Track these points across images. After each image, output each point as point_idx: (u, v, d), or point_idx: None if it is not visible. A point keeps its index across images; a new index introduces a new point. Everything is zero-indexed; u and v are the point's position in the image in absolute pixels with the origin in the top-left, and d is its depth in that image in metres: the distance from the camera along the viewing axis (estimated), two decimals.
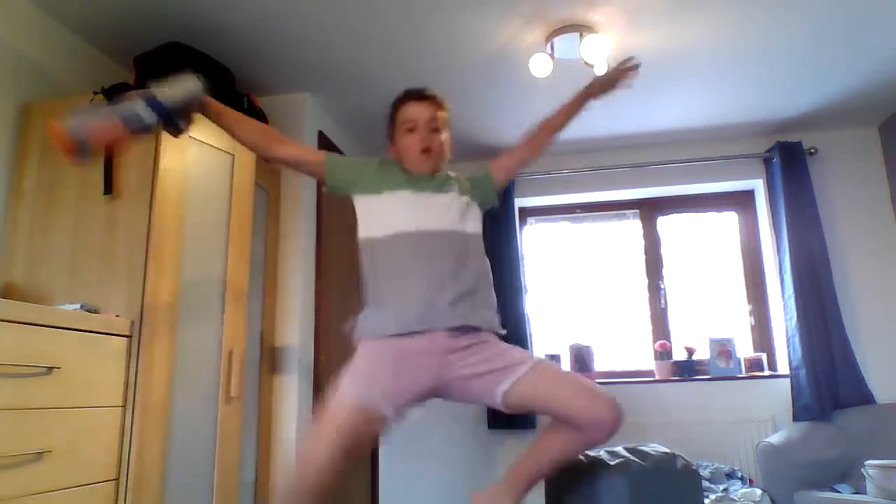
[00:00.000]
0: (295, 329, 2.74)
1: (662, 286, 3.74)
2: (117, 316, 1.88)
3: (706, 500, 2.71)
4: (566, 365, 3.56)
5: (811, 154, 3.50)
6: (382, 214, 1.62)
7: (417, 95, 1.66)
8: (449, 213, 1.62)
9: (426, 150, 1.62)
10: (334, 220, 3.20)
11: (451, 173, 1.74)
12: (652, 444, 1.88)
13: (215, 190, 2.27)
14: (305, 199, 2.90)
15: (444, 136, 1.67)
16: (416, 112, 1.64)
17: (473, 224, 1.66)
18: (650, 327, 3.69)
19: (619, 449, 1.81)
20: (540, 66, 2.62)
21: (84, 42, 2.46)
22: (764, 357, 3.47)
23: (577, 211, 3.92)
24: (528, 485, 1.55)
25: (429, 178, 1.66)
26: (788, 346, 3.30)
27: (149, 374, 1.87)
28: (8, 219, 2.07)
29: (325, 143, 3.09)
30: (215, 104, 1.61)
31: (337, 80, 2.84)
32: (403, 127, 1.65)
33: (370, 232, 1.62)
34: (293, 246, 2.82)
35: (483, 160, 4.04)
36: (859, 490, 2.60)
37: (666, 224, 3.86)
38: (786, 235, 3.35)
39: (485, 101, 3.10)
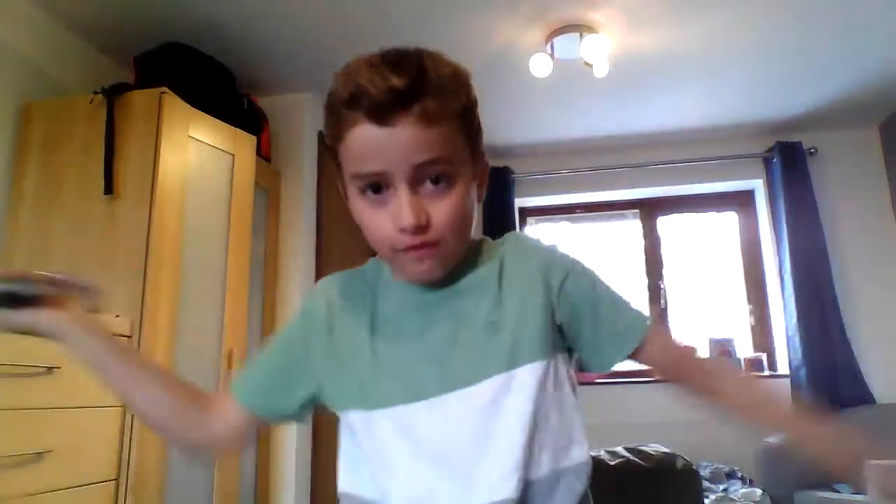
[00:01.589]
0: None
1: (662, 286, 3.74)
2: (117, 316, 1.87)
3: (706, 500, 2.71)
4: None
5: (811, 154, 3.49)
6: (372, 467, 0.72)
7: (376, 108, 0.64)
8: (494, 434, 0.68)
9: (416, 249, 0.68)
10: (334, 220, 3.20)
11: (495, 257, 0.77)
12: (652, 444, 1.88)
13: (215, 190, 2.27)
14: (305, 199, 2.90)
15: (457, 188, 0.69)
16: (375, 148, 0.66)
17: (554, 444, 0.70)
18: None
19: (619, 449, 1.81)
20: (540, 66, 2.61)
21: (84, 42, 2.46)
22: (764, 357, 3.47)
23: (577, 211, 3.92)
24: None
25: (445, 298, 0.74)
26: (788, 346, 3.30)
27: None
28: (8, 219, 2.07)
29: (325, 143, 3.09)
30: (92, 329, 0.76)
31: None
32: (354, 182, 0.69)
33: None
34: (293, 246, 2.82)
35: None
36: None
37: (666, 224, 3.86)
38: (786, 235, 3.35)
39: (485, 101, 3.05)
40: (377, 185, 0.67)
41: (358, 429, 0.73)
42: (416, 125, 0.64)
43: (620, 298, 0.77)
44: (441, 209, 0.67)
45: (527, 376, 0.69)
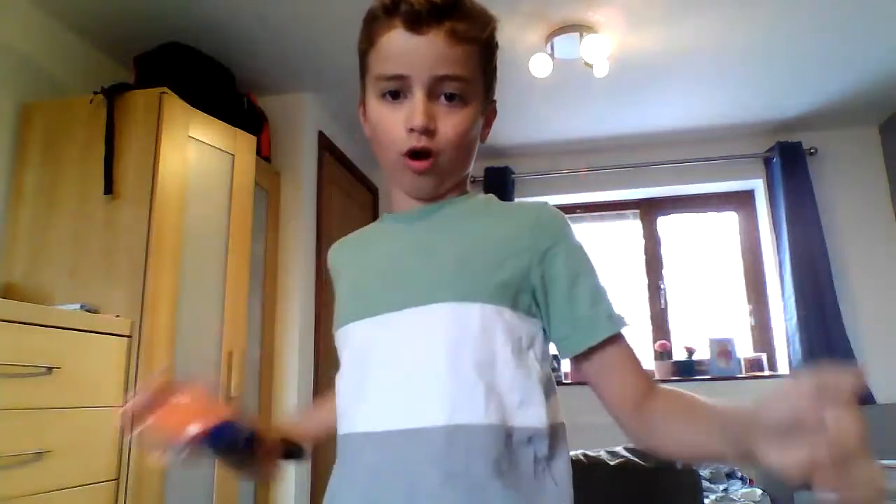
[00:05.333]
0: (295, 329, 2.74)
1: (662, 286, 3.74)
2: (117, 316, 1.87)
3: (706, 500, 2.71)
4: (566, 365, 3.56)
5: (811, 154, 3.49)
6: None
7: (413, 16, 0.70)
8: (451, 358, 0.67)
9: (417, 154, 0.73)
10: (334, 221, 3.20)
11: (493, 201, 0.81)
12: None
13: (215, 190, 2.27)
14: (305, 199, 2.90)
15: (467, 110, 0.74)
16: (404, 51, 0.71)
17: (522, 383, 0.68)
18: (650, 327, 3.69)
19: (619, 449, 1.81)
20: (540, 66, 2.61)
21: (84, 42, 2.46)
22: (764, 357, 3.47)
23: (577, 211, 3.92)
24: None
25: (427, 221, 0.78)
26: (788, 346, 3.30)
27: (149, 374, 1.87)
28: (8, 219, 2.07)
29: (325, 143, 3.10)
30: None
31: (337, 80, 2.83)
32: (377, 84, 0.74)
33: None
34: (293, 246, 2.82)
35: (479, 163, 3.98)
36: None
37: (666, 224, 3.86)
38: (786, 235, 3.35)
39: None
40: (396, 92, 0.73)
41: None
42: (444, 39, 0.70)
43: (605, 292, 0.72)
44: (449, 123, 0.72)
45: (469, 312, 0.68)
